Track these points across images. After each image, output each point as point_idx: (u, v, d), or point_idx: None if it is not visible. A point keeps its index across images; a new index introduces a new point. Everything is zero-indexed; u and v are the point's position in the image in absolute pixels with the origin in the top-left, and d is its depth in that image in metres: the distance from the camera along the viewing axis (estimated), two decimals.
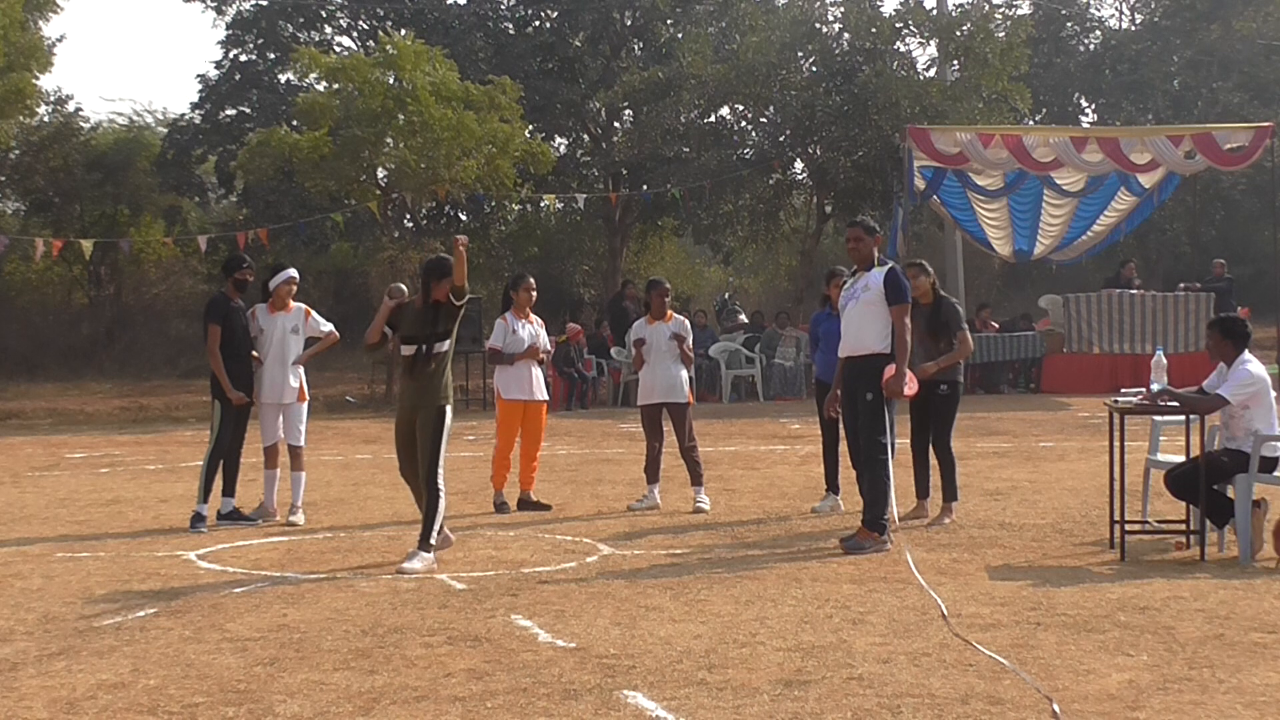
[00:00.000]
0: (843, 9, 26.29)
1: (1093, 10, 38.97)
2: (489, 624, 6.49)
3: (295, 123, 23.60)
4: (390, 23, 30.37)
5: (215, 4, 31.17)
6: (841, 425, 9.25)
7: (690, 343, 10.71)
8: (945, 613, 6.49)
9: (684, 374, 10.60)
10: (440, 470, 8.12)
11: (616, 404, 21.09)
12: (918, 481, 9.78)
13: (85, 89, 69.61)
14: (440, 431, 8.14)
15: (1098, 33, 37.41)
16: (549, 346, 11.01)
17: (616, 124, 31.09)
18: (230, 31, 31.05)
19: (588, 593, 7.20)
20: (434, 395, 8.20)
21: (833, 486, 10.32)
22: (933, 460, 9.69)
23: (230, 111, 30.95)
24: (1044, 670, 5.53)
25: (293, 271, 10.38)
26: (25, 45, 22.83)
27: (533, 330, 10.66)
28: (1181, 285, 22.60)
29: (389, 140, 22.09)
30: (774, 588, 7.26)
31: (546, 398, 10.81)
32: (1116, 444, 8.18)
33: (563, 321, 22.07)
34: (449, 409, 8.21)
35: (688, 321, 10.93)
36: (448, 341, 8.27)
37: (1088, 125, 32.71)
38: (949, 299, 9.93)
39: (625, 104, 29.25)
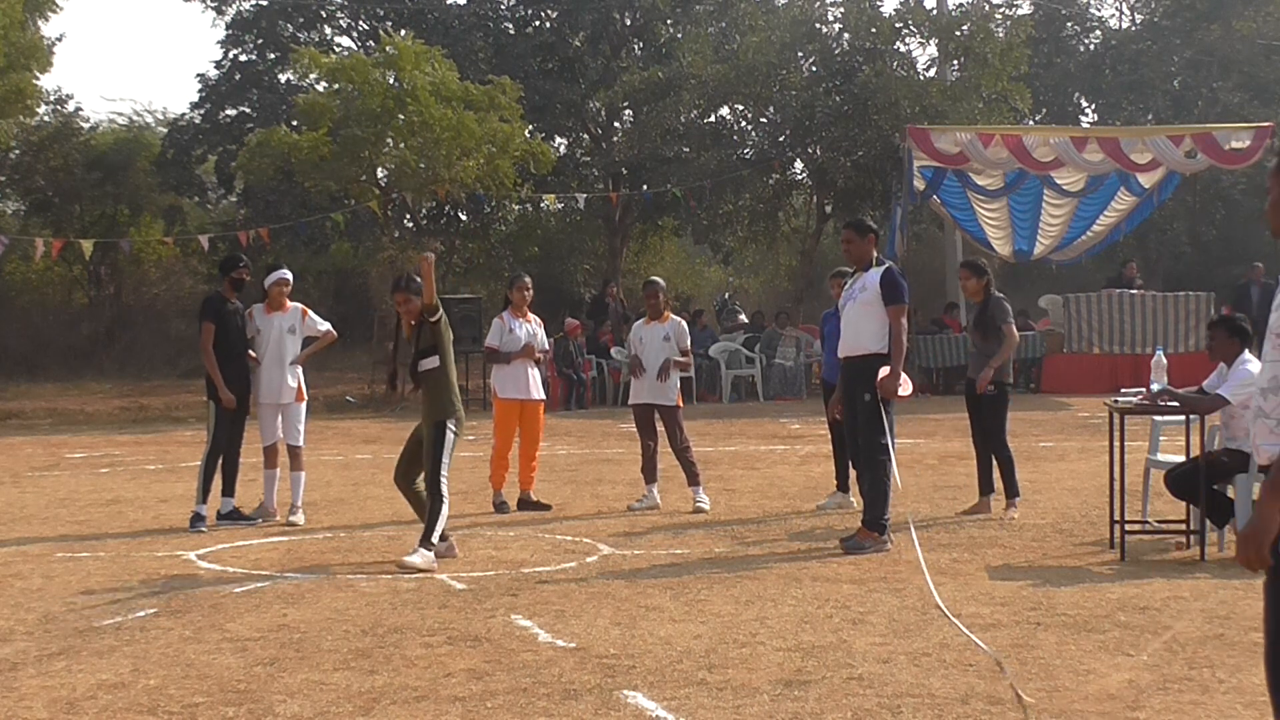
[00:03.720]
0: (843, 9, 26.28)
1: (1093, 10, 38.89)
2: (489, 624, 6.49)
3: (295, 123, 23.60)
4: (390, 23, 30.37)
5: (215, 4, 31.16)
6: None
7: (688, 344, 10.71)
8: (946, 610, 6.50)
9: (675, 376, 10.58)
10: (443, 478, 8.17)
11: (616, 404, 21.08)
12: (980, 478, 9.89)
13: (85, 89, 69.64)
14: (440, 446, 8.21)
15: (1098, 33, 37.37)
16: (546, 346, 11.01)
17: (616, 124, 31.09)
18: (230, 31, 31.05)
19: (588, 593, 7.20)
20: (434, 410, 8.29)
21: (842, 485, 10.34)
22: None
23: (230, 111, 30.95)
24: (1044, 670, 5.54)
25: (284, 272, 10.38)
26: (25, 45, 22.80)
27: (530, 329, 10.66)
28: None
29: (389, 140, 22.08)
30: (774, 588, 7.26)
31: (543, 397, 10.81)
32: (1116, 444, 8.18)
33: (562, 320, 22.11)
34: (450, 423, 8.26)
35: (685, 324, 10.92)
36: (435, 358, 8.31)
37: (1088, 125, 32.68)
38: (997, 296, 9.99)
39: (625, 104, 29.25)
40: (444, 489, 8.13)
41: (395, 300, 8.52)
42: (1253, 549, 3.53)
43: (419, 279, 8.43)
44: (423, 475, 8.29)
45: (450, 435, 8.24)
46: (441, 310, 8.38)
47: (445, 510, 8.11)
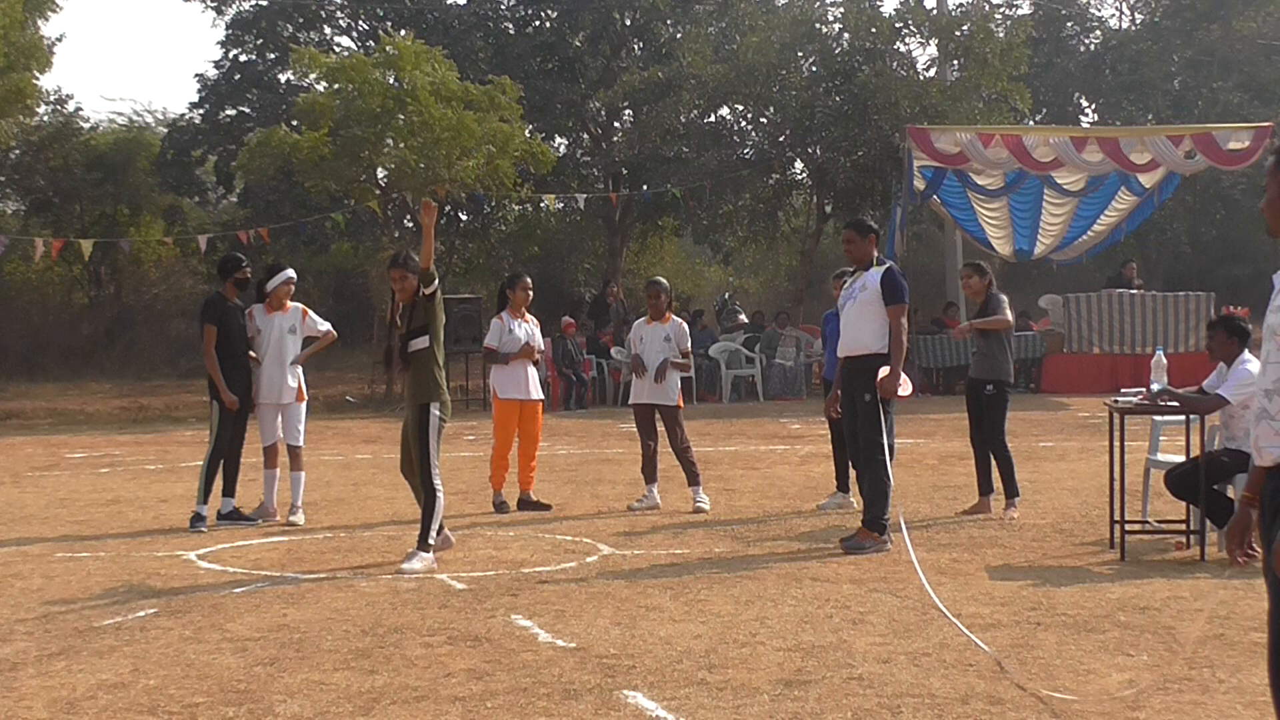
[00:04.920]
0: (843, 9, 26.28)
1: (1093, 10, 38.97)
2: (489, 624, 6.49)
3: (295, 123, 23.59)
4: (390, 23, 30.36)
5: (215, 4, 31.15)
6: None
7: (688, 345, 10.71)
8: (946, 610, 6.50)
9: (676, 376, 10.59)
10: (435, 469, 8.11)
11: (616, 404, 21.08)
12: (979, 479, 9.89)
13: (85, 89, 69.67)
14: (425, 429, 8.12)
15: (1098, 33, 37.42)
16: (543, 345, 11.00)
17: (616, 124, 31.08)
18: (230, 31, 31.02)
19: (588, 593, 7.20)
20: (417, 393, 8.21)
21: (842, 485, 10.34)
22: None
23: (230, 111, 30.93)
24: (1044, 670, 5.54)
25: (290, 273, 10.37)
26: (25, 45, 22.77)
27: (529, 329, 10.66)
28: None
29: (389, 140, 22.07)
30: (774, 588, 7.26)
31: (542, 397, 10.81)
32: (1116, 444, 8.18)
33: (560, 321, 22.15)
34: (434, 407, 8.16)
35: (685, 325, 10.90)
36: (425, 338, 8.24)
37: (1088, 125, 32.71)
38: (997, 294, 10.01)
39: (625, 104, 29.24)
40: (436, 481, 8.09)
41: (391, 276, 8.34)
42: None
43: (416, 258, 8.37)
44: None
45: (435, 418, 8.15)
46: (437, 282, 8.29)
47: (440, 504, 8.08)
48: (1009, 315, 9.89)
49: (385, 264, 8.57)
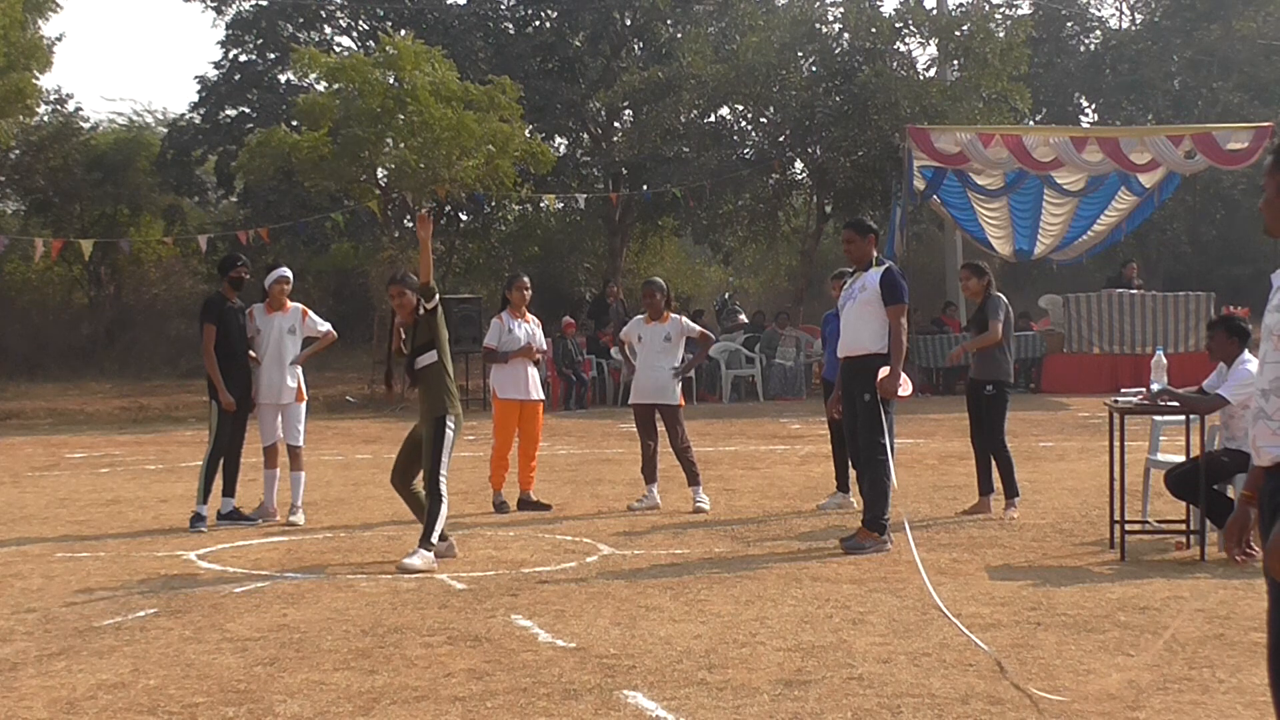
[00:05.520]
0: (843, 9, 26.30)
1: (1093, 10, 38.95)
2: (489, 624, 6.49)
3: (295, 123, 23.59)
4: (390, 23, 30.36)
5: (215, 4, 31.15)
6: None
7: (697, 328, 10.73)
8: (946, 610, 6.50)
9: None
10: (442, 476, 8.15)
11: (616, 404, 21.08)
12: (979, 479, 9.89)
13: (85, 89, 69.63)
14: (440, 442, 8.18)
15: (1098, 33, 37.40)
16: (544, 345, 11.00)
17: (616, 124, 31.08)
18: (230, 31, 31.02)
19: (588, 593, 7.20)
20: (433, 407, 8.25)
21: (842, 485, 10.34)
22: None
23: (230, 111, 30.93)
24: (1044, 670, 5.54)
25: (285, 271, 10.38)
26: (25, 45, 22.78)
27: (529, 329, 10.66)
28: None
29: (389, 140, 22.08)
30: (774, 588, 7.26)
31: (542, 397, 10.81)
32: (1116, 444, 8.18)
33: (560, 320, 22.14)
34: (449, 419, 8.22)
35: (685, 319, 10.88)
36: (433, 352, 8.28)
37: (1088, 125, 32.70)
38: (995, 295, 9.98)
39: (625, 104, 29.25)
40: (442, 488, 8.12)
41: (390, 293, 8.42)
42: None
43: (415, 276, 8.39)
44: (421, 475, 8.29)
45: (449, 432, 8.21)
46: (438, 296, 8.34)
47: (444, 510, 8.11)
48: (999, 325, 9.81)
49: (386, 270, 8.61)
